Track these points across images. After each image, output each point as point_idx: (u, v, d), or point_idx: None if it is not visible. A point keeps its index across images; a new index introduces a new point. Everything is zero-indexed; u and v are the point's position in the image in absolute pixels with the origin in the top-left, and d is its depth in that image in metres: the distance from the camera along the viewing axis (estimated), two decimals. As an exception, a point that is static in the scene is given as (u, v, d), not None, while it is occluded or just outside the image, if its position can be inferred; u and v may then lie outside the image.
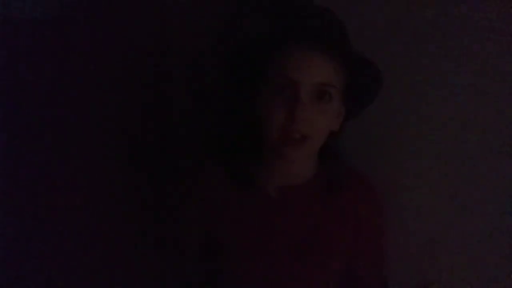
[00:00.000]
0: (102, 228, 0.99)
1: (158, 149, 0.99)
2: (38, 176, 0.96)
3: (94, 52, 0.95)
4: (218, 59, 0.88)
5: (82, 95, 0.96)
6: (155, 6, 0.94)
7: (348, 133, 0.76)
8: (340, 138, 0.74)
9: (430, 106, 0.86)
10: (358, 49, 0.68)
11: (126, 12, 0.94)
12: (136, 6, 0.94)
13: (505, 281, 0.86)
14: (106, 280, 0.99)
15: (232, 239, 0.75)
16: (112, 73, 0.95)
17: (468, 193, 0.87)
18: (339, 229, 0.76)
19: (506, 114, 0.83)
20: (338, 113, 0.71)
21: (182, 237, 0.83)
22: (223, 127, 0.91)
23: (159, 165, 0.99)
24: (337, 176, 0.76)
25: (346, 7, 0.73)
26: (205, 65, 0.93)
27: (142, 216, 0.99)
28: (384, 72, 0.69)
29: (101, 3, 0.94)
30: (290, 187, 0.75)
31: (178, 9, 0.93)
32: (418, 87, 0.86)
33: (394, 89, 0.84)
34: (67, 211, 0.97)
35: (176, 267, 0.85)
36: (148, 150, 0.99)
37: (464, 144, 0.86)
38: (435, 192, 0.89)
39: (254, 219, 0.75)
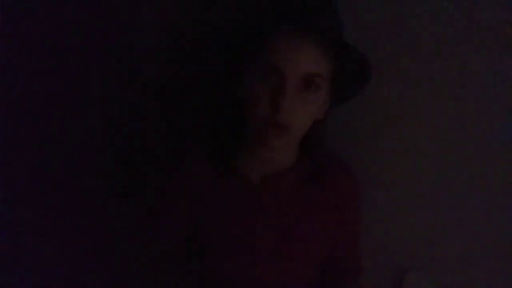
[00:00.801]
0: (87, 225, 0.98)
1: (139, 141, 0.96)
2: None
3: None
4: (203, 45, 0.85)
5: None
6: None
7: (336, 126, 0.76)
8: (324, 126, 0.74)
9: (416, 102, 0.87)
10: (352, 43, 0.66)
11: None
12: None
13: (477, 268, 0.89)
14: (91, 278, 0.99)
15: (216, 228, 0.74)
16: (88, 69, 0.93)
17: (451, 188, 0.88)
18: (322, 214, 0.77)
19: (489, 112, 0.85)
20: (324, 101, 0.69)
21: (166, 229, 0.81)
22: (206, 114, 0.89)
23: (141, 157, 0.96)
24: (320, 163, 0.76)
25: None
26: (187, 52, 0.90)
27: (127, 210, 0.97)
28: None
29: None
30: (273, 174, 0.74)
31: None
32: (406, 82, 0.86)
33: (383, 83, 0.84)
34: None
35: (161, 263, 0.83)
36: (130, 142, 0.96)
37: (449, 142, 0.87)
38: (417, 187, 0.90)
39: (238, 207, 0.74)
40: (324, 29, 0.63)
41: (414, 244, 0.91)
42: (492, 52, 0.82)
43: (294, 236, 0.74)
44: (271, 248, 0.73)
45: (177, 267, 0.81)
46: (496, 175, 0.86)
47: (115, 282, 0.98)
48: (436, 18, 0.83)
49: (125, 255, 0.97)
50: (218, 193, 0.75)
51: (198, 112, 0.91)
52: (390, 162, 0.90)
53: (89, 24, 0.91)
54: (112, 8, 0.90)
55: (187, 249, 0.79)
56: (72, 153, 0.96)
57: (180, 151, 0.81)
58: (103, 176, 0.96)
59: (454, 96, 0.85)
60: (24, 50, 0.93)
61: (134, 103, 0.93)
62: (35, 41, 0.92)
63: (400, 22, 0.84)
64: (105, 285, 0.99)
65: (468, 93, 0.85)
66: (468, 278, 0.90)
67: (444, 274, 0.90)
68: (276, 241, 0.73)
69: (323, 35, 0.62)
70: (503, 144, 0.85)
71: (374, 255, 0.91)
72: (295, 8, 0.63)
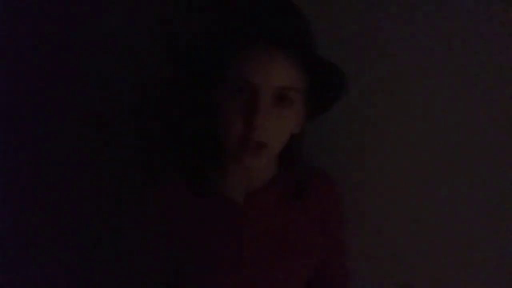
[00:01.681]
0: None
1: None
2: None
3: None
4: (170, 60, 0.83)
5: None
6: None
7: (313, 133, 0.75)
8: (302, 140, 0.72)
9: (391, 107, 0.86)
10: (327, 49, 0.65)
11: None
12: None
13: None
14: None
15: (198, 248, 0.71)
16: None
17: (434, 191, 0.88)
18: (306, 228, 0.75)
19: (470, 112, 0.84)
20: (299, 116, 0.67)
21: (143, 257, 0.77)
22: (180, 133, 0.86)
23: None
24: (300, 177, 0.74)
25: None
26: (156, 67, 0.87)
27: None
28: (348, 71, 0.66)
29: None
30: (255, 191, 0.72)
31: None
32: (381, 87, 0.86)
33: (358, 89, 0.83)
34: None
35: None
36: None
37: (431, 143, 0.87)
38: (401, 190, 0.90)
39: (221, 226, 0.71)
40: (295, 43, 0.61)
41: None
42: (485, 51, 0.81)
43: (280, 252, 0.72)
44: (258, 265, 0.71)
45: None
46: (495, 183, 0.85)
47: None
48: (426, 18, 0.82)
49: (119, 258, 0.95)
50: (198, 214, 0.72)
51: (173, 130, 0.88)
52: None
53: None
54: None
55: (168, 271, 0.76)
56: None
57: (155, 171, 0.78)
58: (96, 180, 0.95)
59: (446, 99, 0.84)
60: (23, 50, 0.92)
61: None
62: (33, 40, 0.91)
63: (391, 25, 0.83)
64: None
65: (462, 94, 0.84)
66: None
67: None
68: (263, 258, 0.71)
69: (295, 49, 0.60)
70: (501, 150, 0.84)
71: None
72: (266, 22, 0.60)
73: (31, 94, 0.93)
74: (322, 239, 0.77)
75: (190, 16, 0.81)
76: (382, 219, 0.91)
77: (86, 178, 0.94)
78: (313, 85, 0.66)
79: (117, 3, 0.86)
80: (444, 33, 0.81)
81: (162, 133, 0.90)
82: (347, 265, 0.86)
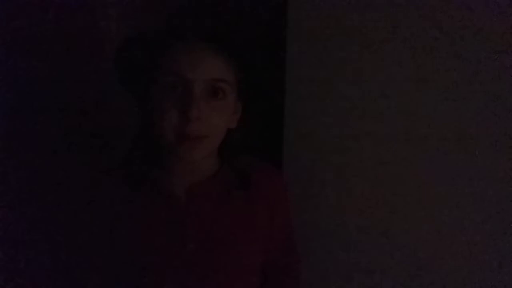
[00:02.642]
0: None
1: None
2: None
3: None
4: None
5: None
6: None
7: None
8: (240, 134, 0.74)
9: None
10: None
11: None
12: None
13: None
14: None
15: (141, 243, 0.72)
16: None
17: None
18: (252, 219, 0.77)
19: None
20: (234, 110, 0.70)
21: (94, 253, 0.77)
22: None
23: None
24: (241, 169, 0.76)
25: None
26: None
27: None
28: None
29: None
30: (196, 184, 0.73)
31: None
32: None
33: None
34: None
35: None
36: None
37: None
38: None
39: (163, 220, 0.72)
40: (221, 38, 0.64)
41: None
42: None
43: (224, 242, 0.74)
44: (204, 256, 0.72)
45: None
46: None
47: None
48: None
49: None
50: (142, 210, 0.72)
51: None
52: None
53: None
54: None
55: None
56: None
57: (103, 169, 0.78)
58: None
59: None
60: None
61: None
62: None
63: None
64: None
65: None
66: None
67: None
68: (208, 249, 0.72)
69: (221, 44, 0.63)
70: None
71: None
72: (194, 20, 0.63)
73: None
74: (268, 229, 0.79)
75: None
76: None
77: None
78: (243, 79, 0.68)
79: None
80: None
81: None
82: (297, 253, 0.89)
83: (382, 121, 0.88)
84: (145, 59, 0.65)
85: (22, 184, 0.98)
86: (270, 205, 0.79)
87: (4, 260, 0.97)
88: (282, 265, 0.86)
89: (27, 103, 0.96)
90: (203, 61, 0.62)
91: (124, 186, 0.72)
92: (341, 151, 0.95)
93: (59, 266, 0.96)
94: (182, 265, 0.71)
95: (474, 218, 0.84)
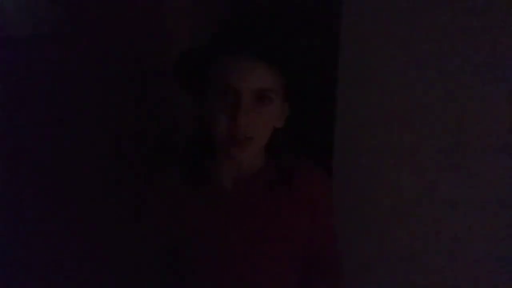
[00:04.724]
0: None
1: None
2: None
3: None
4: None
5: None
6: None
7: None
8: (287, 132, 0.79)
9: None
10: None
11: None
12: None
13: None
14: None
15: (194, 234, 0.80)
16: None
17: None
18: (292, 215, 0.81)
19: (470, 112, 0.84)
20: (281, 111, 0.76)
21: (146, 241, 0.88)
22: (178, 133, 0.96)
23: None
24: (284, 167, 0.81)
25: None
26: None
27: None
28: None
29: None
30: (243, 178, 0.80)
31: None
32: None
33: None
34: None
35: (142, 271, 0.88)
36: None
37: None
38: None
39: (212, 213, 0.80)
40: (272, 52, 0.69)
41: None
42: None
43: (267, 237, 0.79)
44: (246, 249, 0.79)
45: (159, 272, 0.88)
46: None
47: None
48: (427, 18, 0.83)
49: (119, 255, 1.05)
50: (193, 202, 0.81)
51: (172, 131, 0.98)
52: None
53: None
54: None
55: (168, 256, 0.86)
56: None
57: (155, 164, 0.89)
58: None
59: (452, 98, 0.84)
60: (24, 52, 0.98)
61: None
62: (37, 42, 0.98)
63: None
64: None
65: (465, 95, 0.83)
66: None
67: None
68: (250, 243, 0.79)
69: (271, 59, 0.69)
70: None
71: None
72: (246, 36, 0.70)
73: (28, 94, 0.99)
74: (308, 225, 0.83)
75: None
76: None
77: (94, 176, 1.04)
78: (291, 85, 0.74)
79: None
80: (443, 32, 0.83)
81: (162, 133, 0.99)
82: (337, 251, 0.91)
83: (433, 128, 0.87)
84: (199, 71, 0.74)
85: (85, 182, 1.06)
86: (312, 203, 0.83)
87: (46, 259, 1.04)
88: (321, 263, 0.89)
89: (90, 102, 1.05)
90: (252, 73, 0.68)
91: (180, 180, 0.81)
92: (393, 156, 0.95)
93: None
94: (223, 251, 0.79)
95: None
